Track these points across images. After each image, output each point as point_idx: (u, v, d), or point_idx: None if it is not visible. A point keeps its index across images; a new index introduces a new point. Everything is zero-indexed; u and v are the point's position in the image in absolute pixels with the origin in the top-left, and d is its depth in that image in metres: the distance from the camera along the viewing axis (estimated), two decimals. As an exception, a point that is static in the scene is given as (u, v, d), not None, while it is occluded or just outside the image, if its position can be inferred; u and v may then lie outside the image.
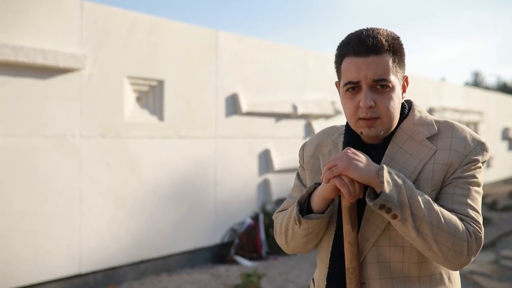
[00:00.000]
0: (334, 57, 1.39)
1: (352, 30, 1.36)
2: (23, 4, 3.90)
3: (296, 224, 1.37)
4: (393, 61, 1.31)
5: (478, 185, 1.31)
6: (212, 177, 5.47)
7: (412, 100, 1.46)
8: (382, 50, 1.28)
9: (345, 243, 1.31)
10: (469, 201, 1.28)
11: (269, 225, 5.76)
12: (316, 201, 1.35)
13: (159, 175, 4.90)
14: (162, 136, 4.91)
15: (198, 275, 4.95)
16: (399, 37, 1.34)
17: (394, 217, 1.21)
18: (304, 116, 6.59)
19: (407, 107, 1.42)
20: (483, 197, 7.65)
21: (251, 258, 5.51)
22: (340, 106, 6.98)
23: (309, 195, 1.38)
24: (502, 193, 11.11)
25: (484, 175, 1.39)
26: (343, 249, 1.34)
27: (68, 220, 4.19)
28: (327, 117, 6.97)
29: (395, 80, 1.31)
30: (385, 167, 1.24)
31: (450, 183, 1.30)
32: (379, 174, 1.22)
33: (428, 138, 1.35)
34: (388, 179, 1.21)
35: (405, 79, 1.40)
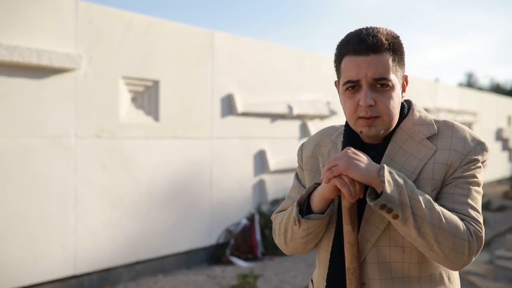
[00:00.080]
0: (333, 56, 1.39)
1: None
2: (18, 4, 3.87)
3: (296, 225, 1.36)
4: (393, 60, 1.31)
5: (478, 184, 1.31)
6: (207, 177, 5.45)
7: (411, 100, 1.46)
8: (382, 48, 1.28)
9: (345, 243, 1.31)
10: (469, 201, 1.28)
11: (265, 226, 5.75)
12: (316, 201, 1.34)
13: (155, 175, 4.88)
14: (158, 136, 4.89)
15: (194, 276, 4.94)
16: (398, 36, 1.34)
17: (395, 217, 1.21)
18: (299, 117, 6.60)
19: (406, 107, 1.42)
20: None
21: (246, 259, 5.50)
22: (335, 107, 7.00)
23: (309, 195, 1.38)
24: (496, 193, 11.16)
25: (480, 175, 1.40)
26: (343, 250, 1.33)
27: (63, 221, 4.17)
28: (322, 117, 6.97)
29: (395, 79, 1.31)
30: (385, 167, 1.23)
31: (450, 183, 1.30)
32: (380, 174, 1.22)
33: (428, 138, 1.35)
34: (389, 179, 1.21)
35: (405, 79, 1.39)
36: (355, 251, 1.30)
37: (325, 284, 1.40)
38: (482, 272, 5.25)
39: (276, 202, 6.18)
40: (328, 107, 6.96)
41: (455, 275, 1.40)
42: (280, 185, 6.28)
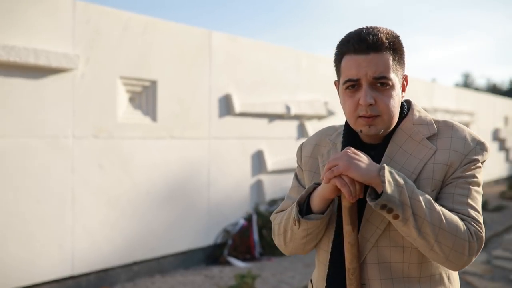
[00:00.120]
0: (333, 55, 1.39)
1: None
2: (15, 4, 3.86)
3: (295, 225, 1.36)
4: (393, 59, 1.31)
5: (478, 184, 1.31)
6: (205, 177, 5.45)
7: (411, 99, 1.46)
8: (382, 47, 1.28)
9: (345, 243, 1.31)
10: (469, 201, 1.28)
11: (262, 226, 5.75)
12: (316, 202, 1.34)
13: (152, 175, 4.87)
14: (155, 136, 4.88)
15: (191, 276, 4.93)
16: (399, 36, 1.34)
17: (396, 217, 1.21)
18: (297, 117, 6.59)
19: (406, 107, 1.42)
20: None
21: (244, 259, 5.49)
22: (333, 107, 7.00)
23: (309, 195, 1.38)
24: (493, 193, 11.19)
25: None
26: (343, 250, 1.33)
27: (61, 221, 4.16)
28: (320, 117, 6.97)
29: (395, 78, 1.31)
30: (386, 166, 1.23)
31: (450, 183, 1.30)
32: (380, 174, 1.22)
33: (428, 138, 1.35)
34: (389, 179, 1.21)
35: (405, 78, 1.40)
36: (355, 251, 1.30)
37: (325, 284, 1.39)
38: (480, 272, 5.26)
39: (273, 202, 6.18)
40: (326, 107, 6.96)
41: (455, 275, 1.40)
42: (277, 185, 6.28)
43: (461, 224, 1.23)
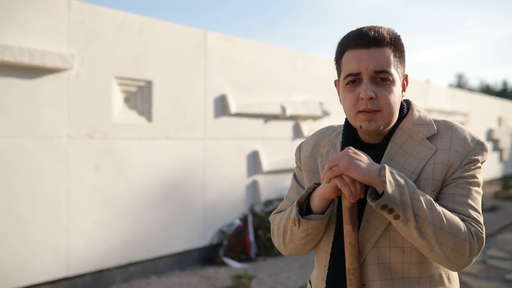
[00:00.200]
0: (334, 54, 1.39)
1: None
2: (10, 3, 3.83)
3: (295, 225, 1.35)
4: (394, 56, 1.31)
5: (478, 185, 1.31)
6: (200, 178, 5.43)
7: (410, 99, 1.46)
8: (383, 42, 1.29)
9: (345, 244, 1.30)
10: (469, 201, 1.28)
11: (258, 227, 5.74)
12: (316, 202, 1.33)
13: (148, 176, 4.85)
14: (151, 137, 4.87)
15: (187, 277, 4.92)
16: (400, 35, 1.34)
17: (396, 217, 1.20)
18: (292, 117, 6.59)
19: (405, 107, 1.42)
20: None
21: (240, 260, 5.48)
22: (328, 107, 7.01)
23: (309, 195, 1.37)
24: (488, 193, 11.24)
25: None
26: (343, 251, 1.32)
27: (55, 222, 4.13)
28: (315, 118, 6.97)
29: (395, 74, 1.31)
30: (386, 167, 1.22)
31: (451, 183, 1.30)
32: (381, 174, 1.21)
33: (428, 138, 1.34)
34: (390, 179, 1.20)
35: (405, 78, 1.40)
36: (355, 251, 1.29)
37: (325, 285, 1.39)
38: (475, 272, 5.28)
39: (269, 203, 6.17)
40: (321, 108, 6.96)
41: (455, 275, 1.40)
42: (273, 186, 6.27)
43: (461, 224, 1.23)
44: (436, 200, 1.28)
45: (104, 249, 4.48)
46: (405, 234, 1.24)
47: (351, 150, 1.26)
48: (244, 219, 5.77)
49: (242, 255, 5.55)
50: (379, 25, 1.33)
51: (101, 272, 4.49)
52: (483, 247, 1.27)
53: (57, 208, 4.14)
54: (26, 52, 3.84)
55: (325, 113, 7.01)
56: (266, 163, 6.15)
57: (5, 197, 3.84)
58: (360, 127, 1.31)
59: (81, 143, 4.30)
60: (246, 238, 5.63)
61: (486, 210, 9.13)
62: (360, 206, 1.31)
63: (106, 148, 4.48)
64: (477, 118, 12.26)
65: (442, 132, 1.35)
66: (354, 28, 1.36)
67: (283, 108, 6.31)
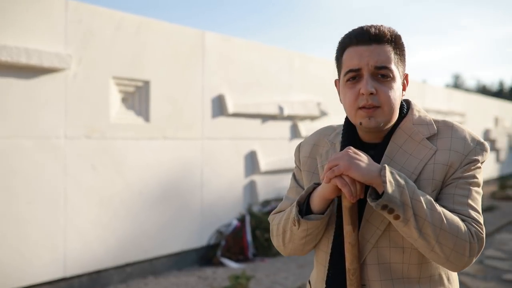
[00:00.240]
0: (335, 52, 1.40)
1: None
2: (6, 3, 3.82)
3: (295, 225, 1.35)
4: (395, 53, 1.32)
5: (478, 185, 1.31)
6: (198, 178, 5.42)
7: (410, 99, 1.46)
8: (384, 39, 1.29)
9: (346, 244, 1.30)
10: (470, 201, 1.28)
11: (256, 227, 5.74)
12: (316, 202, 1.33)
13: (145, 176, 4.84)
14: (148, 137, 4.85)
15: (185, 278, 4.91)
16: (400, 35, 1.35)
17: (396, 217, 1.20)
18: (290, 117, 6.59)
19: (405, 106, 1.42)
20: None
21: (237, 260, 5.48)
22: (326, 108, 7.01)
23: (308, 195, 1.37)
24: (484, 193, 11.24)
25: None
26: (343, 251, 1.32)
27: (53, 223, 4.12)
28: (313, 118, 6.97)
29: (396, 71, 1.31)
30: (387, 167, 1.22)
31: (451, 183, 1.29)
32: (381, 174, 1.21)
33: (428, 138, 1.34)
34: (390, 179, 1.20)
35: (406, 77, 1.40)
36: (355, 251, 1.29)
37: (325, 286, 1.38)
38: (472, 272, 5.29)
39: (267, 203, 6.17)
40: (319, 108, 6.96)
41: (454, 276, 1.40)
42: (271, 186, 6.27)
43: (462, 225, 1.22)
44: (436, 200, 1.28)
45: (101, 249, 4.46)
46: (405, 235, 1.24)
47: (351, 150, 1.26)
48: (241, 219, 5.76)
49: (239, 255, 5.54)
50: (380, 23, 1.34)
51: (98, 272, 4.48)
52: (483, 247, 1.26)
53: (55, 208, 4.13)
54: (23, 52, 3.83)
55: (323, 113, 7.01)
56: (264, 163, 6.15)
57: (3, 197, 3.82)
58: (360, 123, 1.31)
59: (79, 143, 4.28)
60: (243, 239, 5.62)
61: (483, 210, 9.11)
62: (360, 206, 1.31)
63: (103, 148, 4.47)
64: (474, 118, 12.29)
65: (442, 132, 1.35)
66: (351, 28, 1.37)
67: (281, 108, 6.31)
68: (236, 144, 5.86)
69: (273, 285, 4.71)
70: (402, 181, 1.21)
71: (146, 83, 4.84)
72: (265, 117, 6.22)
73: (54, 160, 4.12)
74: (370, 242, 1.31)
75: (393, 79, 1.30)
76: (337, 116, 7.13)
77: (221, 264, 5.34)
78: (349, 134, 1.41)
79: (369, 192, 1.23)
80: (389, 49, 1.30)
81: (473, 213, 1.26)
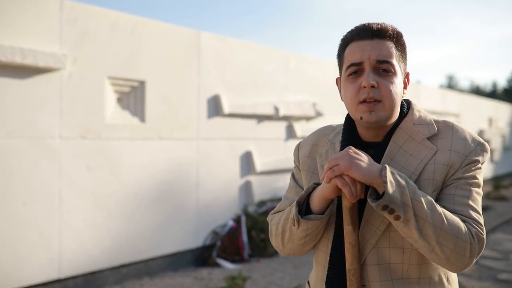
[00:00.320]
0: (337, 49, 1.40)
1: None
2: (1, 2, 3.79)
3: (294, 225, 1.34)
4: (397, 50, 1.32)
5: (478, 186, 1.31)
6: (194, 179, 5.41)
7: (411, 99, 1.46)
8: (386, 35, 1.30)
9: (346, 244, 1.29)
10: (470, 202, 1.27)
11: (251, 227, 5.73)
12: (316, 202, 1.32)
13: (141, 177, 4.82)
14: (144, 137, 4.83)
15: (180, 279, 4.89)
16: (402, 33, 1.36)
17: (397, 218, 1.19)
18: (285, 118, 6.59)
19: (406, 106, 1.41)
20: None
21: (233, 261, 5.46)
22: (321, 108, 7.01)
23: (308, 195, 1.36)
24: (478, 194, 11.29)
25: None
26: (343, 251, 1.31)
27: (47, 224, 4.09)
28: (308, 118, 6.97)
29: (397, 67, 1.32)
30: (387, 167, 1.21)
31: (451, 184, 1.29)
32: (382, 175, 1.20)
33: (428, 138, 1.34)
34: (391, 180, 1.19)
35: (407, 75, 1.40)
36: (356, 252, 1.29)
37: (324, 286, 1.38)
38: (467, 272, 5.30)
39: (262, 204, 6.16)
40: (314, 108, 6.96)
41: (454, 276, 1.40)
42: (266, 186, 6.26)
43: (462, 225, 1.22)
44: (437, 200, 1.28)
45: (96, 250, 4.44)
46: (406, 235, 1.23)
47: (352, 149, 1.25)
48: (237, 220, 5.75)
49: (235, 256, 5.53)
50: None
51: (93, 273, 4.46)
52: (483, 248, 1.26)
53: (49, 208, 4.10)
54: (17, 51, 3.80)
55: (318, 114, 7.01)
56: (259, 164, 6.14)
57: (-3, 198, 3.79)
58: (361, 118, 1.30)
59: (74, 144, 4.26)
60: (239, 239, 5.61)
61: (477, 210, 9.17)
62: (359, 206, 1.30)
63: (98, 149, 4.44)
64: (468, 119, 12.33)
65: (442, 132, 1.35)
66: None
67: (276, 109, 6.31)
68: (231, 144, 5.84)
69: (269, 285, 4.70)
70: (403, 182, 1.21)
71: (142, 83, 4.82)
72: (260, 118, 6.22)
73: (49, 161, 4.09)
74: (370, 243, 1.30)
75: (394, 74, 1.30)
76: (332, 117, 7.13)
77: (217, 265, 5.32)
78: (349, 133, 1.40)
79: (370, 192, 1.22)
80: (391, 45, 1.31)
81: (473, 214, 1.26)
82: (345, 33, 1.37)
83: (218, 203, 5.68)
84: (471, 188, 1.29)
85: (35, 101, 4.00)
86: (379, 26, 1.31)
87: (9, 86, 3.85)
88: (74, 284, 4.30)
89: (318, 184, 1.35)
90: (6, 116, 3.83)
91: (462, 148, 1.31)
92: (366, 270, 1.31)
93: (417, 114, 1.39)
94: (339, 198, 1.32)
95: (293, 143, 6.66)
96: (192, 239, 5.38)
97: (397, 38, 1.32)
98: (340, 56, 1.38)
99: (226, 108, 5.64)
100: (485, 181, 13.29)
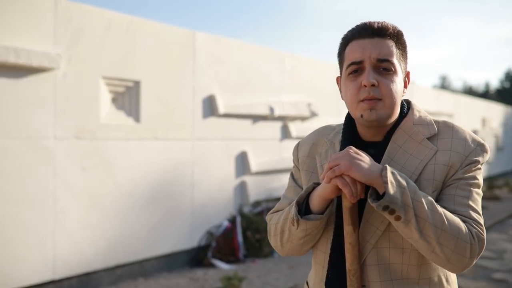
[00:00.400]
0: (338, 48, 1.40)
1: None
2: (-5, 1, 3.76)
3: (294, 225, 1.33)
4: (397, 48, 1.32)
5: (478, 186, 1.30)
6: (189, 179, 5.39)
7: (411, 100, 1.45)
8: (387, 33, 1.30)
9: (346, 244, 1.28)
10: (470, 202, 1.27)
11: (247, 228, 5.72)
12: (316, 202, 1.31)
13: (135, 177, 4.80)
14: (139, 137, 4.81)
15: (175, 279, 4.87)
16: (403, 32, 1.36)
17: (397, 218, 1.19)
18: (281, 118, 6.58)
19: (406, 106, 1.41)
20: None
21: (228, 261, 5.45)
22: (316, 108, 7.01)
23: (307, 195, 1.35)
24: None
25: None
26: (343, 251, 1.31)
27: (42, 225, 4.06)
28: (303, 119, 6.97)
29: (398, 65, 1.32)
30: (388, 167, 1.21)
31: (451, 184, 1.29)
32: (382, 175, 1.20)
33: (428, 138, 1.33)
34: (391, 180, 1.19)
35: (407, 75, 1.40)
36: (356, 252, 1.28)
37: (324, 287, 1.37)
38: (462, 272, 5.31)
39: (257, 204, 6.15)
40: (309, 109, 6.97)
41: (453, 277, 1.40)
42: (261, 187, 6.26)
43: (463, 226, 1.22)
44: (437, 201, 1.27)
45: (91, 251, 4.41)
46: (406, 235, 1.23)
47: (352, 149, 1.25)
48: (232, 220, 5.74)
49: (230, 256, 5.52)
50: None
51: (88, 274, 4.43)
52: (483, 248, 1.26)
53: (43, 210, 4.07)
54: (11, 51, 3.77)
55: (313, 114, 7.01)
56: (255, 164, 6.13)
57: (-10, 199, 3.76)
58: (361, 116, 1.30)
59: (68, 144, 4.23)
60: (234, 240, 5.60)
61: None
62: (359, 206, 1.30)
63: (93, 149, 4.42)
64: (462, 119, 12.39)
65: (442, 132, 1.34)
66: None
67: (271, 109, 6.30)
68: (226, 144, 5.83)
69: (264, 286, 4.69)
70: (403, 182, 1.20)
71: (137, 83, 4.80)
72: (256, 118, 6.21)
73: (43, 161, 4.06)
74: (370, 243, 1.30)
75: (394, 72, 1.30)
76: (327, 117, 7.14)
77: (212, 266, 5.31)
78: (349, 133, 1.40)
79: (370, 193, 1.22)
80: (392, 43, 1.31)
81: (473, 214, 1.26)
82: (345, 32, 1.36)
83: (213, 203, 5.67)
84: (471, 188, 1.28)
85: (29, 101, 3.97)
86: (380, 24, 1.30)
87: (2, 86, 3.81)
88: (68, 285, 4.28)
89: (318, 184, 1.34)
90: (0, 116, 3.80)
91: (462, 148, 1.30)
92: (366, 271, 1.30)
93: (417, 114, 1.38)
94: (339, 198, 1.32)
95: (288, 143, 6.66)
96: (187, 239, 5.37)
97: (397, 37, 1.32)
98: (341, 54, 1.38)
99: (221, 108, 5.63)
100: (478, 181, 13.35)
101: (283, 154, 6.56)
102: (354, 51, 1.30)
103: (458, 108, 12.43)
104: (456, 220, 1.22)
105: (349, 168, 1.20)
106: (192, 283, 4.74)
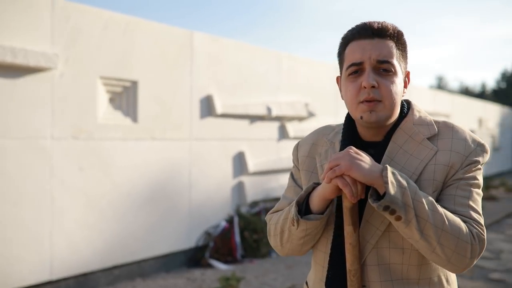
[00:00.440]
0: (338, 48, 1.40)
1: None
2: (-8, 0, 3.75)
3: (294, 225, 1.33)
4: (397, 49, 1.32)
5: (478, 186, 1.31)
6: (186, 179, 5.39)
7: (411, 100, 1.45)
8: (387, 34, 1.30)
9: (346, 244, 1.28)
10: (470, 202, 1.27)
11: (244, 228, 5.71)
12: (316, 202, 1.31)
13: (133, 177, 4.79)
14: (136, 137, 4.80)
15: (173, 280, 4.86)
16: (403, 32, 1.36)
17: (398, 218, 1.19)
18: (278, 118, 6.58)
19: (406, 107, 1.41)
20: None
21: (226, 262, 5.45)
22: (313, 108, 7.01)
23: (307, 195, 1.35)
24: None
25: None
26: (343, 251, 1.31)
27: (39, 225, 4.05)
28: (300, 119, 6.98)
29: (398, 66, 1.31)
30: (388, 167, 1.21)
31: (451, 184, 1.29)
32: (383, 175, 1.20)
33: (428, 139, 1.34)
34: (392, 180, 1.19)
35: (407, 75, 1.40)
36: (356, 252, 1.28)
37: (324, 287, 1.37)
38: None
39: (255, 204, 6.15)
40: (307, 109, 6.97)
41: (453, 277, 1.40)
42: (259, 187, 6.25)
43: (463, 226, 1.22)
44: (437, 201, 1.27)
45: (88, 251, 4.40)
46: (407, 236, 1.23)
47: (353, 150, 1.25)
48: (230, 221, 5.74)
49: (228, 256, 5.52)
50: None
51: (85, 275, 4.42)
52: (484, 249, 1.26)
53: (41, 210, 4.06)
54: (8, 50, 3.76)
55: (311, 114, 7.01)
56: (252, 164, 6.13)
57: (-13, 199, 3.75)
58: (361, 117, 1.30)
59: (65, 144, 4.22)
60: (232, 240, 5.60)
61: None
62: (359, 207, 1.30)
63: (90, 149, 4.41)
64: (459, 119, 12.42)
65: (442, 133, 1.35)
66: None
67: (269, 109, 6.30)
68: (224, 145, 5.83)
69: (262, 286, 4.69)
70: (404, 182, 1.20)
71: (134, 83, 4.79)
72: (253, 118, 6.21)
73: (41, 161, 4.05)
74: (370, 243, 1.30)
75: (394, 73, 1.30)
76: (324, 117, 7.15)
77: (210, 266, 5.30)
78: (349, 133, 1.40)
79: (370, 193, 1.22)
80: (392, 44, 1.31)
81: (474, 215, 1.26)
82: (345, 31, 1.36)
83: (210, 203, 5.67)
84: (472, 188, 1.29)
85: (26, 101, 3.96)
86: (380, 25, 1.30)
87: None
88: (65, 286, 4.26)
89: (318, 184, 1.34)
90: (-3, 116, 3.79)
91: (462, 148, 1.31)
92: (366, 271, 1.30)
93: (417, 114, 1.39)
94: (339, 198, 1.32)
95: (286, 143, 6.66)
96: (184, 239, 5.36)
97: (397, 37, 1.32)
98: (341, 54, 1.37)
99: (219, 109, 5.63)
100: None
101: (281, 154, 6.56)
102: (354, 52, 1.30)
103: (455, 108, 12.46)
104: (457, 220, 1.22)
105: (349, 168, 1.20)
106: (190, 284, 4.73)
